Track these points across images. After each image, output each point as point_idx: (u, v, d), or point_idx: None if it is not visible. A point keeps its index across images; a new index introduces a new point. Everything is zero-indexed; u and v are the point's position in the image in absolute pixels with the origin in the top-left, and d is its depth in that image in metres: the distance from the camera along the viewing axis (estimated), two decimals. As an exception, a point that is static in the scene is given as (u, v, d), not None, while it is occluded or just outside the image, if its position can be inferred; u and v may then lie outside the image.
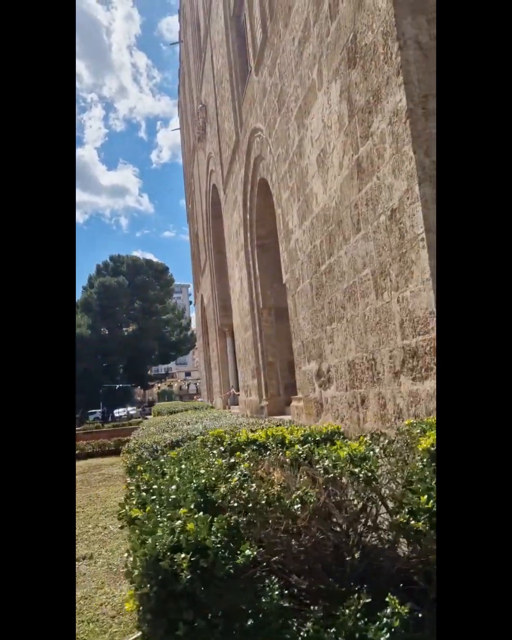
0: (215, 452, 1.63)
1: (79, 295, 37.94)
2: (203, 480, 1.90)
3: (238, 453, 1.66)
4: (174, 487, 1.94)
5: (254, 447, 1.62)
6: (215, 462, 1.64)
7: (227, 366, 18.85)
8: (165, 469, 2.02)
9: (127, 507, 2.28)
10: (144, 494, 2.17)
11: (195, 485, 1.90)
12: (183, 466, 1.84)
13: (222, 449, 1.80)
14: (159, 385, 61.78)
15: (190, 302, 61.02)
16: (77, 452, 10.71)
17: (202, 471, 1.86)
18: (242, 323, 12.80)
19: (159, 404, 12.02)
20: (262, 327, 11.00)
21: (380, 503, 2.15)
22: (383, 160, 4.42)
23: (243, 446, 1.64)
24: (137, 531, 2.04)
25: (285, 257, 8.22)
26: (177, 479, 1.96)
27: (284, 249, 8.26)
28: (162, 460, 2.01)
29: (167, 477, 2.13)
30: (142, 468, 2.11)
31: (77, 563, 3.98)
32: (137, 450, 2.91)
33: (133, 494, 2.26)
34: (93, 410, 39.37)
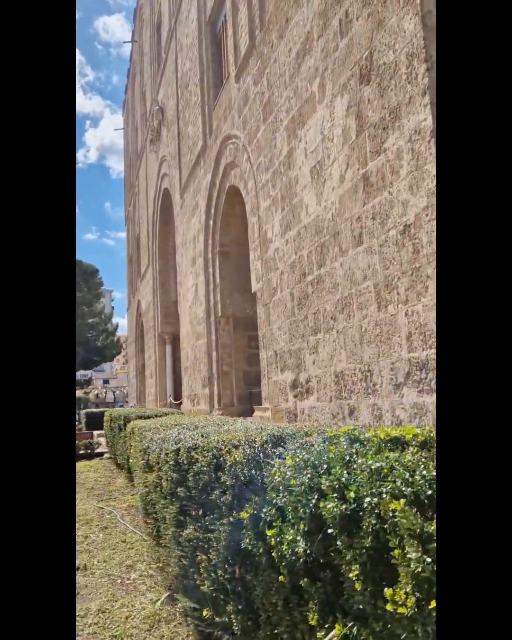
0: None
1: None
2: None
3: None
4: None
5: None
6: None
7: (165, 374, 18.44)
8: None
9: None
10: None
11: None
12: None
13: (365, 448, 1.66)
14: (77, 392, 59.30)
15: (112, 308, 59.24)
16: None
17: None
18: (194, 331, 12.57)
19: (113, 410, 11.45)
20: (219, 336, 10.86)
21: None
22: (398, 177, 4.51)
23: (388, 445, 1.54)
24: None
25: (258, 266, 8.18)
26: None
27: (257, 258, 8.22)
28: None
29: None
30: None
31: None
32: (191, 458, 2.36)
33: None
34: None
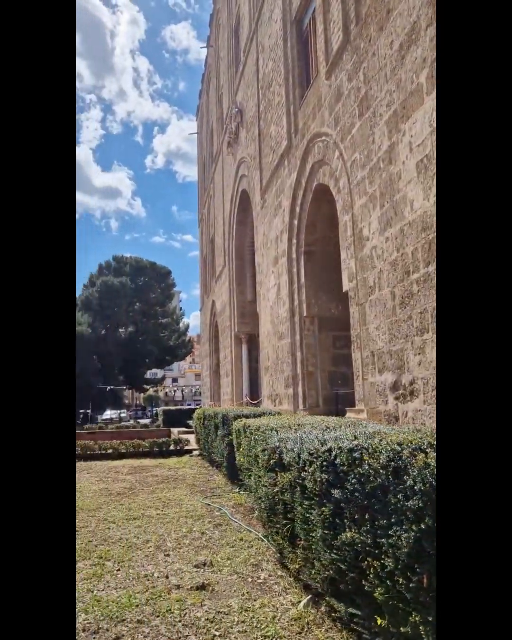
0: None
1: (78, 292, 37.45)
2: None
3: None
4: None
5: None
6: None
7: (241, 373, 18.56)
8: None
9: None
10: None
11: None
12: None
13: None
14: (145, 389, 61.08)
15: (180, 308, 60.59)
16: (109, 451, 10.37)
17: None
18: (275, 331, 12.55)
19: (203, 409, 11.62)
20: (304, 336, 10.77)
21: None
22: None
23: None
24: None
25: (351, 265, 8.02)
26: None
27: (350, 257, 8.06)
28: None
29: None
30: None
31: (198, 569, 3.67)
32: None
33: None
34: (82, 410, 38.60)
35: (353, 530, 2.28)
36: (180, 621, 2.88)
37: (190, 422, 22.88)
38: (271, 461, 3.61)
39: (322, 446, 2.65)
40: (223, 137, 20.57)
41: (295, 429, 3.68)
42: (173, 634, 2.76)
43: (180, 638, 2.71)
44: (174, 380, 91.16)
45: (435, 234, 5.63)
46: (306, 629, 2.68)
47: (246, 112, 16.14)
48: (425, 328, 5.85)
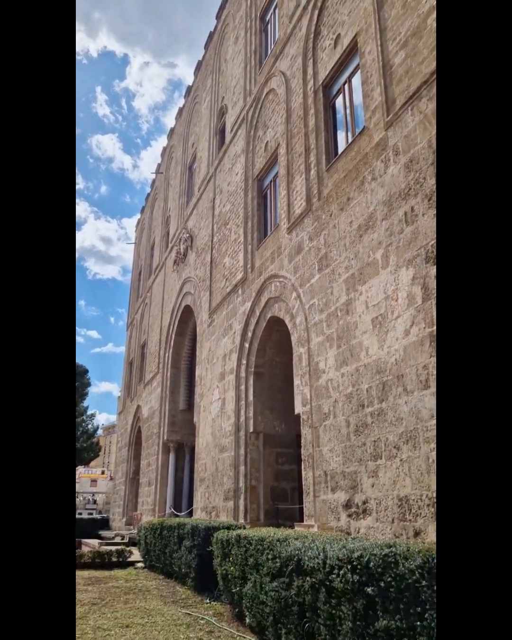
0: None
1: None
2: None
3: None
4: None
5: None
6: None
7: (167, 483, 18.53)
8: None
9: None
10: None
11: None
12: None
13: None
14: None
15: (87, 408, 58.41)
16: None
17: None
18: (217, 443, 13.22)
19: (155, 520, 11.55)
20: (249, 450, 11.56)
21: None
22: (465, 340, 5.79)
23: None
24: None
25: (305, 392, 9.23)
26: None
27: (304, 384, 9.29)
28: None
29: None
30: None
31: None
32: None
33: None
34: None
35: (387, 619, 3.15)
36: None
37: (103, 532, 21.75)
38: (285, 568, 4.35)
39: (353, 553, 3.55)
40: (167, 255, 22.26)
41: (301, 540, 4.52)
42: None
43: None
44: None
45: (388, 377, 7.02)
46: None
47: (197, 239, 17.96)
48: (378, 454, 7.01)
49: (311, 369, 9.12)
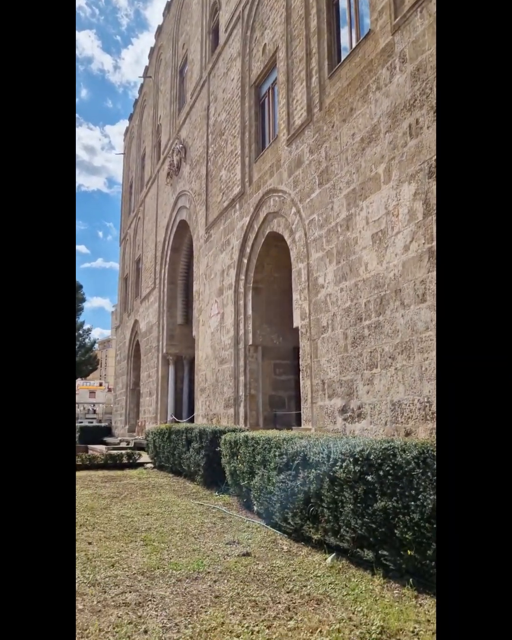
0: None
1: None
2: None
3: None
4: None
5: None
6: None
7: (167, 393, 19.40)
8: None
9: None
10: None
11: None
12: None
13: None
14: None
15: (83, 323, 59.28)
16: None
17: None
18: (217, 356, 13.75)
19: (162, 425, 12.29)
20: (248, 362, 12.09)
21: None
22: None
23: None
24: None
25: (304, 306, 9.53)
26: None
27: (303, 299, 9.57)
28: None
29: None
30: None
31: (230, 545, 4.78)
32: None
33: None
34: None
35: (384, 501, 3.64)
36: (249, 573, 4.05)
37: (108, 439, 23.06)
38: (292, 462, 4.87)
39: (355, 448, 4.00)
40: (159, 166, 21.62)
41: (305, 439, 5.01)
42: (250, 578, 3.95)
43: (258, 580, 3.90)
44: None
45: (387, 291, 7.28)
46: (341, 571, 3.98)
47: (191, 151, 17.42)
48: (374, 364, 7.44)
49: (310, 284, 9.35)
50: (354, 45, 8.63)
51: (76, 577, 4.00)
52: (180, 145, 18.44)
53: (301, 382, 9.49)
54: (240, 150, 12.97)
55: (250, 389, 11.99)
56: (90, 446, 20.16)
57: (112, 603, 3.46)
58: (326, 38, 9.45)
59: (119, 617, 3.20)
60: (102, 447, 18.18)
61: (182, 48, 19.87)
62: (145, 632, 3.00)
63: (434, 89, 6.59)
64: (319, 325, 8.97)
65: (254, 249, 12.22)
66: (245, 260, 12.51)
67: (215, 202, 14.72)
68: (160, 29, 23.44)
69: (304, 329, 9.46)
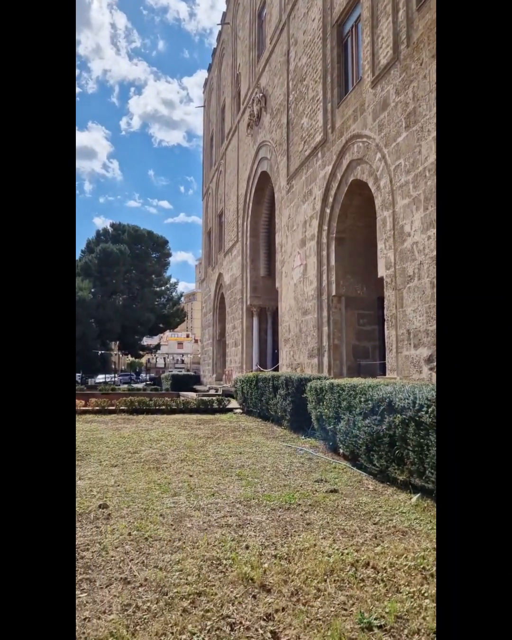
0: None
1: (77, 256, 38.02)
2: None
3: None
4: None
5: None
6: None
7: (252, 343, 20.00)
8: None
9: None
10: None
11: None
12: None
13: None
14: (141, 356, 61.97)
15: (176, 278, 61.30)
16: (162, 407, 11.83)
17: None
18: (300, 307, 13.95)
19: (251, 374, 12.93)
20: (331, 312, 12.19)
21: None
22: None
23: None
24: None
25: (389, 255, 9.40)
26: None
27: (388, 248, 9.43)
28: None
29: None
30: None
31: (318, 483, 5.13)
32: None
33: None
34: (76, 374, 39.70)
35: (470, 444, 3.74)
36: (337, 507, 4.37)
37: (197, 387, 24.32)
38: (377, 408, 5.05)
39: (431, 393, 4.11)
40: (240, 117, 21.43)
41: (391, 386, 5.15)
42: (338, 511, 4.26)
43: (345, 513, 4.21)
44: (157, 347, 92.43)
45: (477, 238, 7.03)
46: (425, 509, 4.19)
47: (272, 99, 17.09)
48: (462, 313, 7.31)
49: (396, 232, 9.18)
50: (445, -29, 8.01)
51: (182, 502, 4.49)
52: (261, 94, 18.13)
53: (386, 332, 9.50)
54: (322, 96, 12.60)
55: (334, 340, 12.14)
56: (182, 393, 21.40)
57: (216, 524, 3.90)
58: (414, -34, 8.82)
59: (223, 535, 3.62)
60: (192, 394, 19.27)
61: (260, -11, 19.18)
62: (247, 547, 3.39)
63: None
64: (404, 274, 8.85)
65: (336, 199, 12.05)
66: (328, 211, 12.39)
67: (297, 151, 14.51)
68: (237, -30, 22.65)
69: (390, 279, 9.37)
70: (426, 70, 8.35)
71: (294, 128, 14.87)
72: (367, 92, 10.33)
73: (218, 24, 25.65)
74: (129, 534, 3.68)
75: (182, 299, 52.17)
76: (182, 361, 79.85)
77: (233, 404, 13.22)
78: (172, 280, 46.05)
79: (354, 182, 11.22)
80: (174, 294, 44.41)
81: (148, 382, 39.19)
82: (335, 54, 12.29)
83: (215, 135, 27.44)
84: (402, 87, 9.05)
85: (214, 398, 12.87)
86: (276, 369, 16.29)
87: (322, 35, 12.70)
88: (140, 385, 37.66)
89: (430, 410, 4.15)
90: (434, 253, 7.98)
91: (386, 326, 9.54)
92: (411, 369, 8.59)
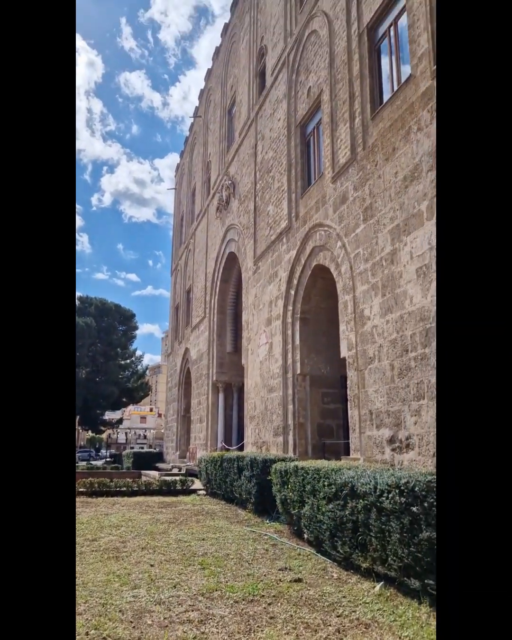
0: None
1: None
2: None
3: None
4: None
5: None
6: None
7: (217, 420, 19.81)
8: None
9: None
10: None
11: None
12: None
13: None
14: (102, 431, 59.94)
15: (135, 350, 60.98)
16: (123, 488, 11.42)
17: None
18: (265, 384, 14.09)
19: (216, 453, 12.69)
20: (296, 390, 12.36)
21: None
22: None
23: None
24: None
25: (351, 337, 9.78)
26: None
27: (350, 330, 9.83)
28: None
29: None
30: None
31: (283, 572, 5.05)
32: None
33: None
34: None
35: (430, 531, 3.84)
36: (301, 597, 4.30)
37: (159, 465, 23.61)
38: (340, 492, 5.11)
39: (400, 480, 4.23)
40: (209, 201, 22.54)
41: (353, 470, 5.25)
42: (302, 602, 4.20)
43: (309, 604, 4.16)
44: (119, 421, 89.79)
45: (432, 324, 7.47)
46: (389, 599, 4.18)
47: (240, 186, 18.16)
48: (421, 395, 7.60)
49: (356, 315, 9.62)
50: (395, 88, 9.04)
51: (142, 596, 4.36)
52: (229, 182, 19.24)
53: (349, 411, 9.68)
54: (287, 187, 13.51)
55: (299, 418, 12.22)
56: (143, 472, 20.71)
57: (177, 620, 3.80)
58: (368, 82, 9.92)
59: (185, 632, 3.53)
60: (154, 473, 18.68)
61: (231, 90, 20.89)
62: (209, 646, 3.32)
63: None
64: (365, 356, 9.19)
65: (301, 281, 12.61)
66: (292, 292, 12.90)
67: (263, 235, 15.28)
68: (209, 72, 24.70)
69: (352, 360, 9.69)
70: (380, 170, 9.16)
71: (260, 214, 15.73)
72: (328, 186, 11.17)
73: (191, 117, 27.52)
74: (87, 634, 3.55)
75: (147, 372, 51.72)
76: (145, 436, 77.41)
77: (197, 484, 12.93)
78: (138, 353, 45.88)
79: (317, 267, 11.82)
80: (139, 367, 44.09)
81: (108, 459, 37.83)
82: (299, 150, 13.34)
83: (186, 216, 28.57)
84: (359, 184, 9.85)
85: (177, 478, 12.58)
86: (241, 447, 16.10)
87: (287, 133, 13.83)
88: (99, 463, 36.23)
89: (390, 496, 4.27)
90: (393, 336, 8.38)
91: (349, 406, 9.73)
92: (374, 450, 8.70)
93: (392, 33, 9.50)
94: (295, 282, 12.82)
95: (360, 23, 10.29)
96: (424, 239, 7.79)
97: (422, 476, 4.13)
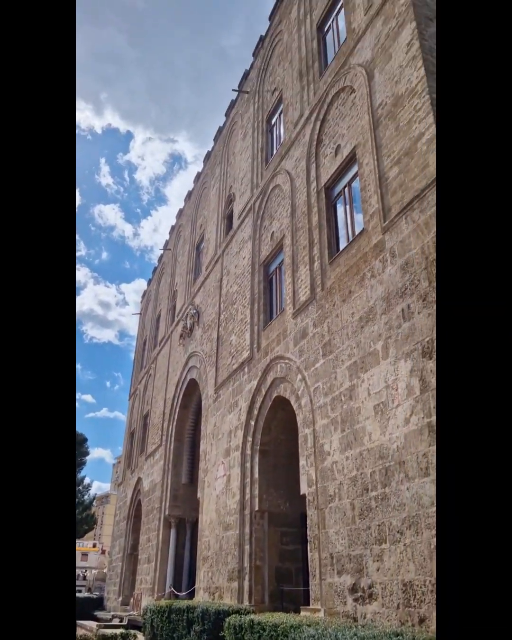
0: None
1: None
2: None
3: None
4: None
5: None
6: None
7: (167, 560, 18.25)
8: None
9: None
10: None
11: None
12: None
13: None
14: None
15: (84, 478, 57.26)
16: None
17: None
18: (221, 521, 13.32)
19: (164, 601, 11.39)
20: (253, 529, 11.71)
21: None
22: (460, 432, 6.32)
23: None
24: None
25: (310, 473, 9.59)
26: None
27: (310, 465, 9.68)
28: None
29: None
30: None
31: None
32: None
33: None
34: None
35: None
36: None
37: (98, 613, 21.04)
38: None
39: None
40: (173, 328, 23.04)
41: (313, 627, 4.86)
42: None
43: None
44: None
45: (391, 463, 7.46)
46: None
47: (204, 316, 18.78)
48: (383, 539, 7.32)
49: (316, 450, 9.53)
50: (350, 239, 9.98)
51: None
52: (194, 311, 19.91)
53: (309, 554, 9.16)
54: (250, 319, 14.07)
55: (256, 560, 11.43)
56: (79, 622, 18.35)
57: None
58: (325, 232, 10.94)
59: None
60: (92, 623, 16.58)
61: (200, 228, 22.52)
62: None
63: (422, 281, 7.54)
64: (326, 493, 8.96)
65: (261, 412, 12.59)
66: (252, 422, 12.80)
67: (225, 364, 15.50)
68: (181, 211, 26.74)
69: (311, 497, 9.41)
70: (338, 310, 9.74)
71: (223, 343, 16.11)
72: (289, 321, 11.70)
73: (161, 249, 29.15)
74: None
75: (94, 502, 48.14)
76: (84, 577, 69.46)
77: (140, 639, 11.50)
78: (86, 480, 43.09)
79: (278, 398, 11.92)
80: (85, 497, 41.09)
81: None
82: (262, 286, 14.14)
83: (149, 341, 28.89)
84: (319, 321, 10.38)
85: (118, 631, 11.18)
86: (192, 593, 14.68)
87: (251, 270, 14.74)
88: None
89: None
90: (353, 473, 8.27)
91: (309, 548, 9.23)
92: (335, 599, 8.12)
93: (346, 192, 10.72)
94: (255, 412, 12.79)
95: (318, 182, 11.62)
96: (380, 377, 8.08)
97: (386, 637, 3.87)
